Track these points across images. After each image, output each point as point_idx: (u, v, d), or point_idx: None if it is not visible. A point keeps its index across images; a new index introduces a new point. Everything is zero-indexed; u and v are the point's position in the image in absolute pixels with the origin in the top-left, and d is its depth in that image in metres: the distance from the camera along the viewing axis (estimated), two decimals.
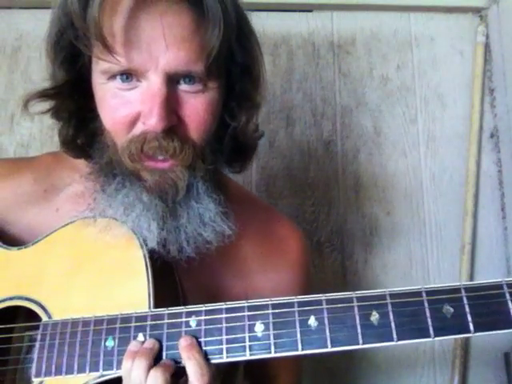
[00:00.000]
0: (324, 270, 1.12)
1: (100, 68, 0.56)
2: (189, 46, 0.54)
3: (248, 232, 0.69)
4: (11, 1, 1.12)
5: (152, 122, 0.54)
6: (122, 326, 0.54)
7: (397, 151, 1.18)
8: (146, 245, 0.57)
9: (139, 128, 0.56)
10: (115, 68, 0.54)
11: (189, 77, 0.55)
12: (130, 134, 0.57)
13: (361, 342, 0.48)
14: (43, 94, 0.61)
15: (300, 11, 1.19)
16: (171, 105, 0.55)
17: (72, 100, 0.62)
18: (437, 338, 0.48)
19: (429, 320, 0.48)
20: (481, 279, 0.49)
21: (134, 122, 0.56)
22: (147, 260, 0.57)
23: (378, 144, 1.18)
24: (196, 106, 0.57)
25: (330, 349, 0.49)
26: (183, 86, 0.56)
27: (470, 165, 1.18)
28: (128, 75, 0.55)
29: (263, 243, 0.72)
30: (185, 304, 0.60)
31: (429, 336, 0.48)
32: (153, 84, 0.54)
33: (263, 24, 1.17)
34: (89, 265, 0.59)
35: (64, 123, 0.64)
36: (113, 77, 0.55)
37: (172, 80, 0.55)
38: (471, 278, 1.14)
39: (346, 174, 1.16)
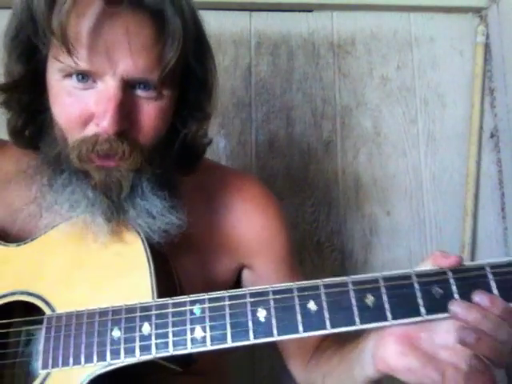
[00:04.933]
0: (324, 270, 1.12)
1: (57, 66, 0.57)
2: (147, 55, 0.56)
3: (216, 208, 0.74)
4: None
5: (105, 124, 0.56)
6: (127, 317, 0.55)
7: (397, 151, 1.18)
8: (144, 240, 0.59)
9: (92, 129, 0.58)
10: (73, 68, 0.56)
11: (144, 83, 0.58)
12: (82, 133, 0.58)
13: (358, 322, 0.50)
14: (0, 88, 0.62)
15: (300, 11, 1.19)
16: (125, 109, 0.57)
17: (25, 93, 0.63)
18: (428, 317, 0.49)
19: (420, 300, 0.50)
20: (475, 262, 0.52)
21: (87, 121, 0.58)
22: (149, 253, 0.58)
23: (378, 144, 1.18)
24: (148, 112, 0.59)
25: (329, 330, 0.51)
26: (138, 92, 0.58)
27: (469, 165, 1.18)
28: (84, 75, 0.57)
29: (228, 207, 0.74)
30: (181, 290, 0.62)
31: (420, 315, 0.50)
32: (109, 87, 0.56)
33: (263, 24, 1.17)
34: (90, 258, 0.60)
35: (14, 114, 0.64)
36: (69, 75, 0.57)
37: (127, 85, 0.57)
38: None
39: (345, 174, 1.16)
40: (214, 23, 1.15)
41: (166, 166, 0.65)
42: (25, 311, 0.60)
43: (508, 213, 1.18)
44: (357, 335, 0.58)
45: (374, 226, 1.16)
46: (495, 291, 0.49)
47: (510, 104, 1.16)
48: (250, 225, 0.74)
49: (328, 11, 1.20)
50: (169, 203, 0.62)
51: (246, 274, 0.77)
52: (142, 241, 0.59)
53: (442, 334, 0.49)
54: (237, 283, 0.77)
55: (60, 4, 0.53)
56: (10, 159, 0.71)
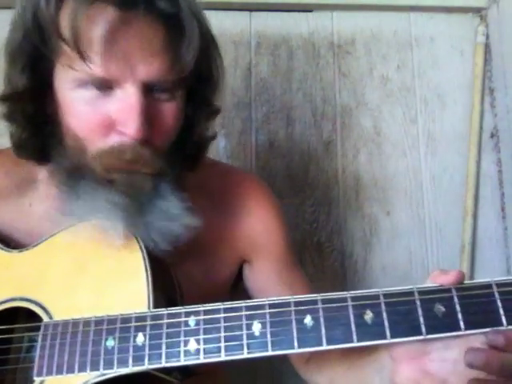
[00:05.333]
0: (324, 270, 1.12)
1: (71, 75, 0.56)
2: (165, 58, 0.56)
3: (216, 205, 0.73)
4: None
5: (131, 131, 0.55)
6: (122, 326, 0.54)
7: (397, 151, 1.18)
8: (144, 249, 0.59)
9: (114, 138, 0.57)
10: (90, 76, 0.55)
11: (161, 86, 0.58)
12: (103, 142, 0.57)
13: (355, 339, 0.49)
14: (1, 99, 0.61)
15: (300, 11, 1.19)
16: (147, 114, 0.56)
17: (30, 104, 0.61)
18: (429, 336, 0.48)
19: (421, 319, 0.49)
20: (481, 279, 0.50)
21: (108, 130, 0.57)
22: (147, 262, 0.58)
23: (378, 144, 1.18)
24: (166, 113, 0.59)
25: (325, 347, 0.50)
26: (155, 94, 0.58)
27: (469, 165, 1.18)
28: (101, 83, 0.56)
29: (228, 204, 0.74)
30: (181, 296, 0.61)
31: (421, 334, 0.49)
32: (130, 94, 0.55)
33: (263, 24, 1.17)
34: (89, 266, 0.60)
35: (18, 126, 0.63)
36: (84, 84, 0.56)
37: (146, 89, 0.57)
38: (471, 278, 1.14)
39: (345, 174, 1.16)
40: (214, 23, 1.13)
41: (179, 165, 0.64)
42: (28, 317, 0.60)
43: (508, 213, 1.18)
44: None
45: (374, 226, 1.15)
46: (501, 311, 0.48)
47: (510, 104, 1.16)
48: (250, 221, 0.74)
49: (328, 11, 1.20)
50: (185, 204, 0.62)
51: (246, 268, 0.77)
52: (141, 249, 0.59)
53: (452, 356, 0.49)
54: (236, 279, 0.78)
55: (72, 11, 0.52)
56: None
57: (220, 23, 1.15)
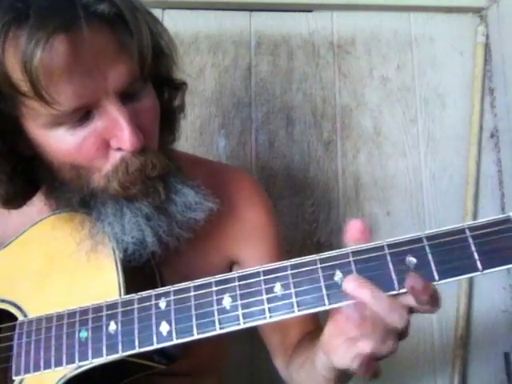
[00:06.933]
0: None
1: (41, 121, 0.53)
2: (125, 58, 0.54)
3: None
4: None
5: (128, 145, 0.54)
6: (94, 316, 0.54)
7: (397, 151, 1.18)
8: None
9: (115, 156, 0.56)
10: (62, 114, 0.52)
11: (132, 87, 0.56)
12: (106, 163, 0.57)
13: (327, 303, 0.48)
14: None
15: (300, 11, 1.19)
16: (133, 121, 0.55)
17: (4, 166, 0.58)
18: (401, 291, 0.47)
19: (392, 273, 0.47)
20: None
21: (106, 151, 0.56)
22: (115, 250, 0.57)
23: (378, 144, 1.18)
24: (147, 111, 0.58)
25: (296, 313, 0.49)
26: (129, 98, 0.56)
27: (469, 165, 1.18)
28: (76, 113, 0.53)
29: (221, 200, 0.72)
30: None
31: (394, 289, 0.47)
32: (110, 109, 0.54)
33: (263, 24, 1.17)
34: (61, 261, 0.59)
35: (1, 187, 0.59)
36: (59, 123, 0.53)
37: (121, 97, 0.55)
38: (471, 277, 1.14)
39: (345, 174, 1.16)
40: (214, 23, 1.15)
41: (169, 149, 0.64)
42: (10, 318, 0.60)
43: (508, 213, 1.18)
44: None
45: (374, 226, 1.15)
46: (476, 256, 0.46)
47: (510, 104, 1.16)
48: (239, 220, 0.73)
49: (328, 11, 1.20)
50: (200, 190, 0.62)
51: (235, 269, 0.75)
52: (109, 238, 0.58)
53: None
54: None
55: (20, 54, 0.48)
56: None
57: (220, 23, 1.15)
